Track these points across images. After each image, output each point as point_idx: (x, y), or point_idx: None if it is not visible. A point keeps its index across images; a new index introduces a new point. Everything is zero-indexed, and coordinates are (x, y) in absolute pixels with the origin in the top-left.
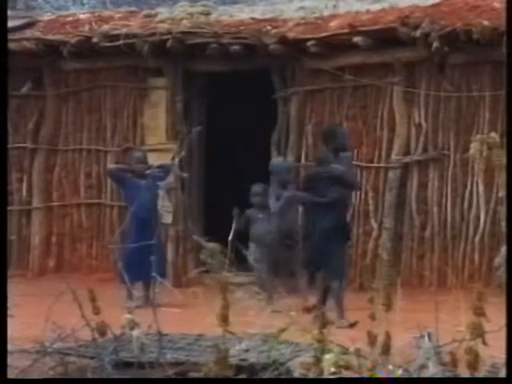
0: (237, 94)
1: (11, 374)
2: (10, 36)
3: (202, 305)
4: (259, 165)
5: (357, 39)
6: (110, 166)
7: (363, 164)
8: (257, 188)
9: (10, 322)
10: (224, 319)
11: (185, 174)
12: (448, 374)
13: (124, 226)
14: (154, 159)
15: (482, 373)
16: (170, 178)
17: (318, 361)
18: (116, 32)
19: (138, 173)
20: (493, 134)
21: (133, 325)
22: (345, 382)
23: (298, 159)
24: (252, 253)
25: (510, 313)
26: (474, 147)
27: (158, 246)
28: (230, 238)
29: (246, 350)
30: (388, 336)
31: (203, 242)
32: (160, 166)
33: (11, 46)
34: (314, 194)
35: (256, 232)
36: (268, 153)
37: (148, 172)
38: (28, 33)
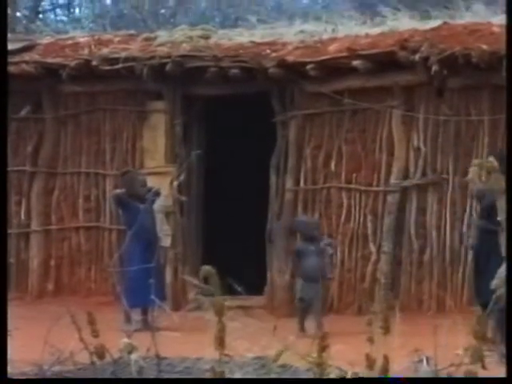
0: (236, 117)
1: None
2: (10, 59)
3: (201, 328)
4: (259, 188)
5: (356, 63)
6: (115, 190)
7: (362, 188)
8: (311, 220)
9: (8, 344)
10: (220, 343)
11: (184, 198)
12: None
13: (123, 250)
14: (153, 182)
15: None
16: (169, 201)
17: None
18: (115, 55)
19: (141, 197)
20: (491, 159)
21: (131, 348)
22: (345, 382)
23: (297, 183)
24: (299, 290)
25: (510, 313)
26: (472, 172)
27: (157, 270)
28: None
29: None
30: (386, 360)
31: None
32: (149, 190)
33: (10, 69)
34: None
35: (308, 266)
36: (267, 176)
37: (146, 196)
38: (27, 56)
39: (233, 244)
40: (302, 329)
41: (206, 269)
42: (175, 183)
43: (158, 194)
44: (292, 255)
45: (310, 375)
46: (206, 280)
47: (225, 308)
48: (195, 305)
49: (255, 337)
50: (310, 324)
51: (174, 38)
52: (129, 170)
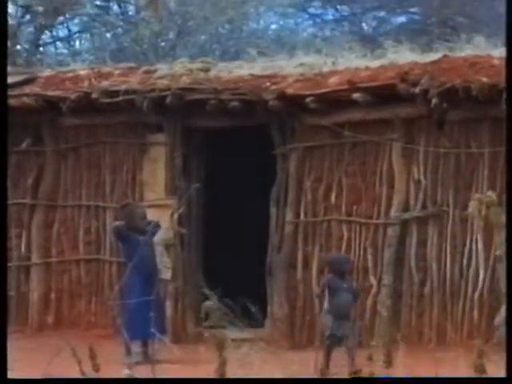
0: (236, 150)
1: None
2: (10, 92)
3: (201, 361)
4: (259, 221)
5: (356, 95)
6: (115, 223)
7: (362, 220)
8: (343, 256)
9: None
10: (221, 376)
11: (184, 230)
12: None
13: (123, 282)
14: (153, 215)
15: None
16: (169, 234)
17: None
18: (115, 88)
19: (141, 229)
20: (490, 193)
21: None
22: (346, 382)
23: (297, 215)
24: (330, 326)
25: (510, 313)
26: (472, 206)
27: (157, 302)
28: None
29: None
30: None
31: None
32: (149, 222)
33: (11, 101)
34: None
35: (340, 302)
36: (267, 208)
37: (146, 228)
38: (28, 89)
39: (233, 277)
40: (327, 366)
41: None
42: (175, 216)
43: (158, 226)
44: (322, 291)
45: None
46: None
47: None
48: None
49: (257, 367)
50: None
51: (173, 71)
52: (129, 202)
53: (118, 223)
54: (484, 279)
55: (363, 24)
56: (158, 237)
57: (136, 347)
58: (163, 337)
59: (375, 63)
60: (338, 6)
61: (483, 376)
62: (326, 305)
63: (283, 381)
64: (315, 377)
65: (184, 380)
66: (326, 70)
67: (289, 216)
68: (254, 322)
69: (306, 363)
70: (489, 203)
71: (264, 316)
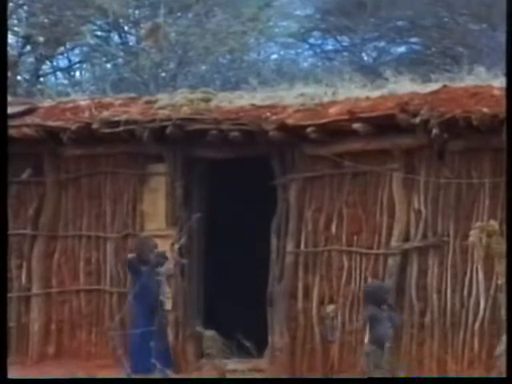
0: (236, 180)
1: None
2: (11, 122)
3: None
4: (259, 251)
5: (356, 126)
6: (129, 256)
7: (363, 250)
8: (383, 284)
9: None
10: None
11: (184, 261)
12: None
13: (128, 314)
14: None
15: None
16: (170, 265)
17: None
18: (116, 118)
19: (152, 262)
20: (492, 222)
21: None
22: (346, 382)
23: (298, 245)
24: (372, 357)
25: (510, 313)
26: (473, 235)
27: (161, 333)
28: None
29: None
30: None
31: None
32: (158, 254)
33: (11, 132)
34: None
35: (382, 332)
36: (268, 239)
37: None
38: (28, 119)
39: (233, 307)
40: None
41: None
42: (176, 246)
43: (163, 256)
44: (365, 324)
45: None
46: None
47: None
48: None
49: None
50: None
51: (174, 101)
52: (129, 232)
53: (129, 256)
54: (485, 309)
55: (363, 54)
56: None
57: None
58: (164, 369)
59: (375, 93)
60: (338, 37)
61: (483, 376)
62: (367, 337)
63: (283, 381)
64: (316, 377)
65: (184, 380)
66: (326, 100)
67: (289, 246)
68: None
69: None
70: (490, 232)
71: (264, 346)
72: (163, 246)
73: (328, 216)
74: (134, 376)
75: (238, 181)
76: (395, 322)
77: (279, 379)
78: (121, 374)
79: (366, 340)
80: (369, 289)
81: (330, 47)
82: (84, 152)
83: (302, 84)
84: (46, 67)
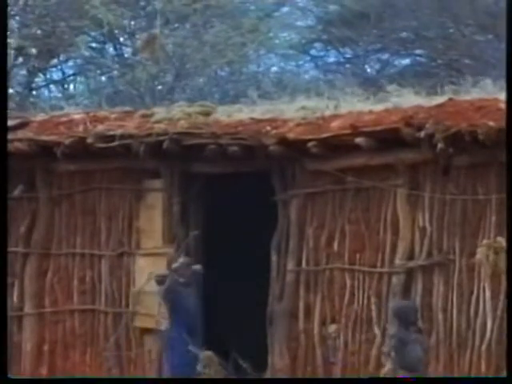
0: (236, 196)
1: None
2: None
3: None
4: (259, 269)
5: (359, 140)
6: (158, 274)
7: (366, 269)
8: (411, 304)
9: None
10: None
11: (182, 279)
12: None
13: (167, 337)
14: (149, 264)
15: None
16: (168, 283)
17: None
18: (111, 133)
19: (184, 279)
20: (499, 239)
21: None
22: (346, 383)
23: (299, 263)
24: None
25: (510, 313)
26: (480, 252)
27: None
28: None
29: None
30: None
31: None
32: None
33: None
34: None
35: (413, 355)
36: (268, 257)
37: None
38: (21, 133)
39: (233, 326)
40: None
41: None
42: (173, 264)
43: (197, 273)
44: (392, 344)
45: None
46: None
47: None
48: None
49: None
50: None
51: (171, 115)
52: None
53: (163, 273)
54: (492, 329)
55: (366, 66)
56: (155, 287)
57: None
58: None
59: (379, 107)
60: (341, 48)
61: (483, 376)
62: (393, 362)
63: (283, 381)
64: (315, 377)
65: (184, 380)
66: (328, 113)
67: (290, 264)
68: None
69: None
70: (497, 249)
71: (264, 367)
72: (160, 264)
73: (330, 233)
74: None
75: (238, 197)
76: (426, 346)
77: (279, 379)
78: None
79: (390, 365)
80: (396, 309)
81: (332, 59)
82: (78, 167)
83: (303, 97)
84: (38, 80)
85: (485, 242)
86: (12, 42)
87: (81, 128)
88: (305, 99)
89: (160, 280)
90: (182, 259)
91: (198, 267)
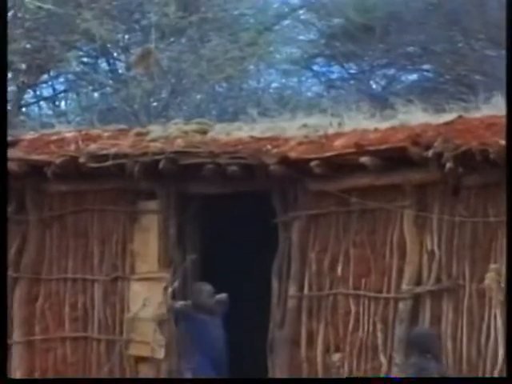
0: (235, 217)
1: None
2: None
3: None
4: (259, 294)
5: (364, 159)
6: (179, 303)
7: (371, 294)
8: (431, 331)
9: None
10: None
11: (178, 305)
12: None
13: (188, 368)
14: (144, 289)
15: None
16: (163, 310)
17: None
18: (104, 152)
19: (207, 308)
20: None
21: None
22: (345, 382)
23: (301, 289)
24: None
25: (510, 313)
26: (490, 277)
27: None
28: None
29: None
30: None
31: None
32: (217, 301)
33: None
34: None
35: None
36: (268, 282)
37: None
38: (10, 152)
39: (231, 354)
40: None
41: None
42: (169, 290)
43: (224, 303)
44: (411, 373)
45: None
46: None
47: None
48: None
49: None
50: None
51: (167, 133)
52: (118, 275)
53: (183, 303)
54: (504, 358)
55: (372, 82)
56: (151, 313)
57: None
58: None
59: (385, 124)
60: (345, 64)
61: (483, 376)
62: None
63: (283, 381)
64: (315, 377)
65: (184, 380)
66: (331, 131)
67: (292, 289)
68: None
69: None
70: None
71: None
72: (155, 289)
73: (333, 257)
74: None
75: (237, 219)
76: (445, 375)
77: (279, 379)
78: None
79: None
80: (414, 337)
81: (335, 75)
82: (70, 188)
83: (305, 114)
84: (28, 96)
85: (493, 267)
86: None
87: (72, 147)
88: (307, 117)
89: (181, 310)
90: (205, 287)
91: (223, 296)
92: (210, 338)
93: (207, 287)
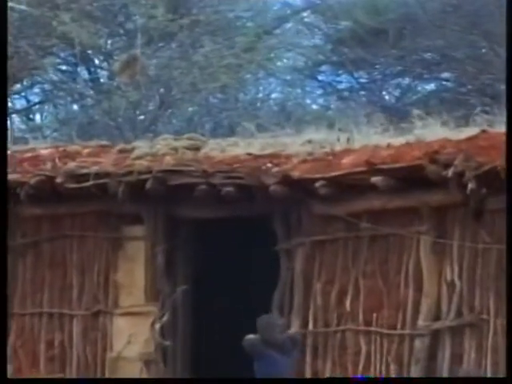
0: (230, 245)
1: None
2: None
3: None
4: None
5: (375, 179)
6: (249, 336)
7: (384, 331)
8: (472, 370)
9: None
10: None
11: (167, 343)
12: None
13: None
14: (129, 325)
15: None
16: (150, 348)
17: None
18: (84, 171)
19: (279, 345)
20: None
21: None
22: (346, 382)
23: (305, 324)
24: None
25: (510, 313)
26: None
27: None
28: None
29: None
30: None
31: None
32: (289, 337)
33: None
34: None
35: None
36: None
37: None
38: None
39: None
40: None
41: None
42: (157, 325)
43: (296, 342)
44: None
45: None
46: None
47: None
48: None
49: None
50: None
51: (155, 150)
52: (101, 309)
53: (251, 337)
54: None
55: (384, 93)
56: (136, 351)
57: None
58: None
59: (399, 140)
60: (354, 72)
61: (483, 376)
62: None
63: (283, 381)
64: (315, 377)
65: (184, 380)
66: (339, 148)
67: (295, 325)
68: None
69: None
70: None
71: None
72: (141, 325)
73: (341, 288)
74: None
75: (233, 246)
76: None
77: (279, 379)
78: None
79: None
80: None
81: (343, 84)
82: (45, 211)
83: (309, 129)
84: None
85: None
86: None
87: (49, 165)
88: (312, 131)
89: (250, 344)
90: (276, 320)
91: (295, 334)
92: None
93: (278, 321)
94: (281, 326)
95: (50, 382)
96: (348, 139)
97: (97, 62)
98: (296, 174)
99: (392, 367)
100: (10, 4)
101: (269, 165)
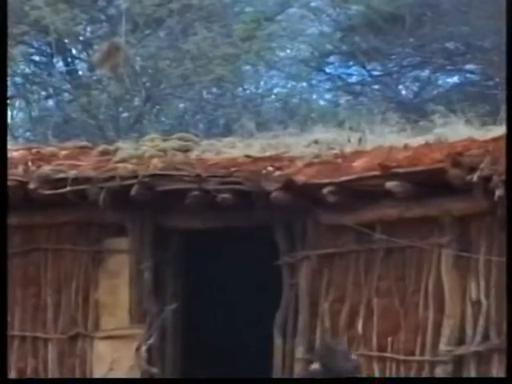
0: (227, 258)
1: None
2: None
3: None
4: (258, 356)
5: (391, 185)
6: (313, 367)
7: (401, 357)
8: None
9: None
10: None
11: (154, 369)
12: None
13: None
14: (111, 349)
15: None
16: (135, 374)
17: None
18: (61, 175)
19: (344, 373)
20: None
21: None
22: (346, 382)
23: (311, 349)
24: None
25: (510, 313)
26: None
27: None
28: None
29: None
30: None
31: None
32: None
33: None
34: None
35: None
36: (270, 337)
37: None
38: None
39: None
40: None
41: None
42: (143, 349)
43: (358, 369)
44: None
45: None
46: None
47: None
48: None
49: None
50: None
51: (140, 152)
52: (79, 332)
53: (313, 368)
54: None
55: (401, 87)
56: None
57: None
58: None
59: (417, 140)
60: (367, 64)
61: (483, 376)
62: None
63: (283, 381)
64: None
65: (184, 380)
66: (349, 149)
67: (299, 350)
68: None
69: None
70: None
71: None
72: (125, 349)
73: (352, 308)
74: None
75: (229, 260)
76: None
77: (278, 379)
78: None
79: None
80: None
81: (354, 78)
82: (17, 221)
83: (316, 127)
84: None
85: None
86: None
87: (20, 169)
88: (318, 130)
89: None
90: (339, 346)
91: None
92: None
93: (341, 346)
94: (344, 353)
95: (50, 381)
96: (360, 139)
97: (74, 51)
98: (301, 178)
99: None
100: None
101: (270, 168)
